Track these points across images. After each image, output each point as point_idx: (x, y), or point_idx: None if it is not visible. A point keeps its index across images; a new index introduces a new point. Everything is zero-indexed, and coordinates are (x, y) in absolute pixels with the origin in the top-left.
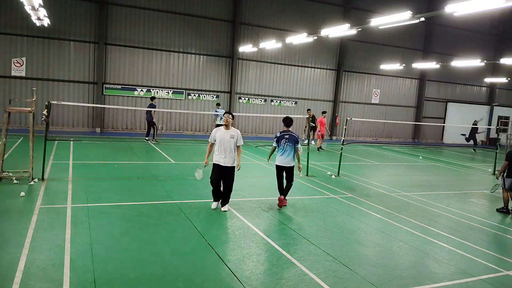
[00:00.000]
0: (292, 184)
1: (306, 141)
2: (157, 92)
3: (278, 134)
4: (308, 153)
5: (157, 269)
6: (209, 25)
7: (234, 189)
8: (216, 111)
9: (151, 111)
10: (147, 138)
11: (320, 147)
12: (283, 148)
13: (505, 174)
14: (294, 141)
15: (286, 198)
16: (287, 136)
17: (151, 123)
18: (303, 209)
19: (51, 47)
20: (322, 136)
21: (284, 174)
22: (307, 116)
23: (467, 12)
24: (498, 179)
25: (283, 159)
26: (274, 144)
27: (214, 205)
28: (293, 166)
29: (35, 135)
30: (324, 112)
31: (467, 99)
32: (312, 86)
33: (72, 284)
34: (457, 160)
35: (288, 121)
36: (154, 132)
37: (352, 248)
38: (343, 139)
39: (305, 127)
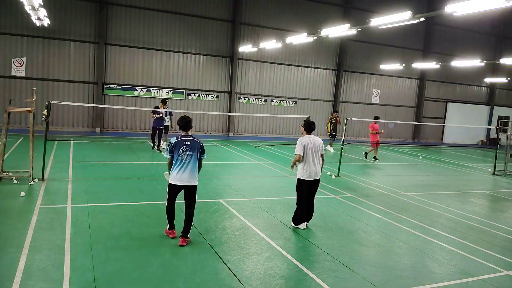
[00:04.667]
0: (193, 213)
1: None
2: (157, 92)
3: (173, 140)
4: None
5: (157, 269)
6: (209, 25)
7: (234, 189)
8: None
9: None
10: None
11: (371, 155)
12: (183, 160)
13: None
14: (198, 150)
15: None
16: (188, 143)
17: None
18: None
19: (51, 47)
20: (377, 143)
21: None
22: (334, 118)
23: (467, 12)
24: None
25: (181, 175)
26: (168, 155)
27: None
28: (196, 186)
29: (35, 135)
30: (376, 118)
31: (467, 99)
32: (312, 86)
33: (72, 284)
34: (457, 160)
35: (187, 123)
36: (152, 138)
37: (352, 248)
38: (343, 139)
39: (328, 129)
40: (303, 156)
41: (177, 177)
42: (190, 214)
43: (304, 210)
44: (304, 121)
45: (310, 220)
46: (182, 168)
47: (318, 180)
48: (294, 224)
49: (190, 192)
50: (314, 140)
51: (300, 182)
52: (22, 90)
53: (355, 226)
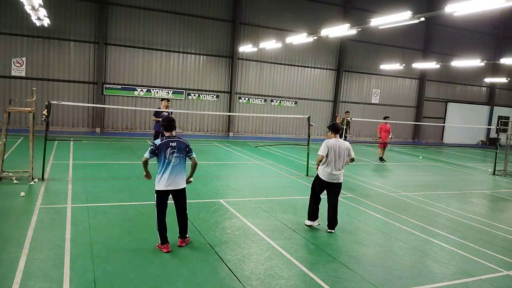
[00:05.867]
0: (187, 214)
1: None
2: (157, 92)
3: (158, 142)
4: (308, 153)
5: (157, 269)
6: (209, 25)
7: (234, 189)
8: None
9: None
10: None
11: (382, 157)
12: (170, 163)
13: None
14: (185, 150)
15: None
16: (174, 144)
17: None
18: (303, 209)
19: (51, 47)
20: (385, 145)
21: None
22: (346, 118)
23: (467, 12)
24: None
25: (170, 179)
26: (148, 155)
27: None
28: (185, 188)
29: (35, 135)
30: (386, 117)
31: (467, 99)
32: (312, 86)
33: (72, 284)
34: (457, 160)
35: (170, 122)
36: None
37: (352, 248)
38: (343, 139)
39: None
40: (326, 157)
41: (165, 182)
42: (184, 216)
43: (316, 207)
44: (328, 126)
45: (335, 228)
46: (170, 171)
47: (339, 184)
48: (308, 221)
49: (180, 194)
50: (341, 143)
51: (317, 178)
52: (22, 90)
53: (355, 226)
